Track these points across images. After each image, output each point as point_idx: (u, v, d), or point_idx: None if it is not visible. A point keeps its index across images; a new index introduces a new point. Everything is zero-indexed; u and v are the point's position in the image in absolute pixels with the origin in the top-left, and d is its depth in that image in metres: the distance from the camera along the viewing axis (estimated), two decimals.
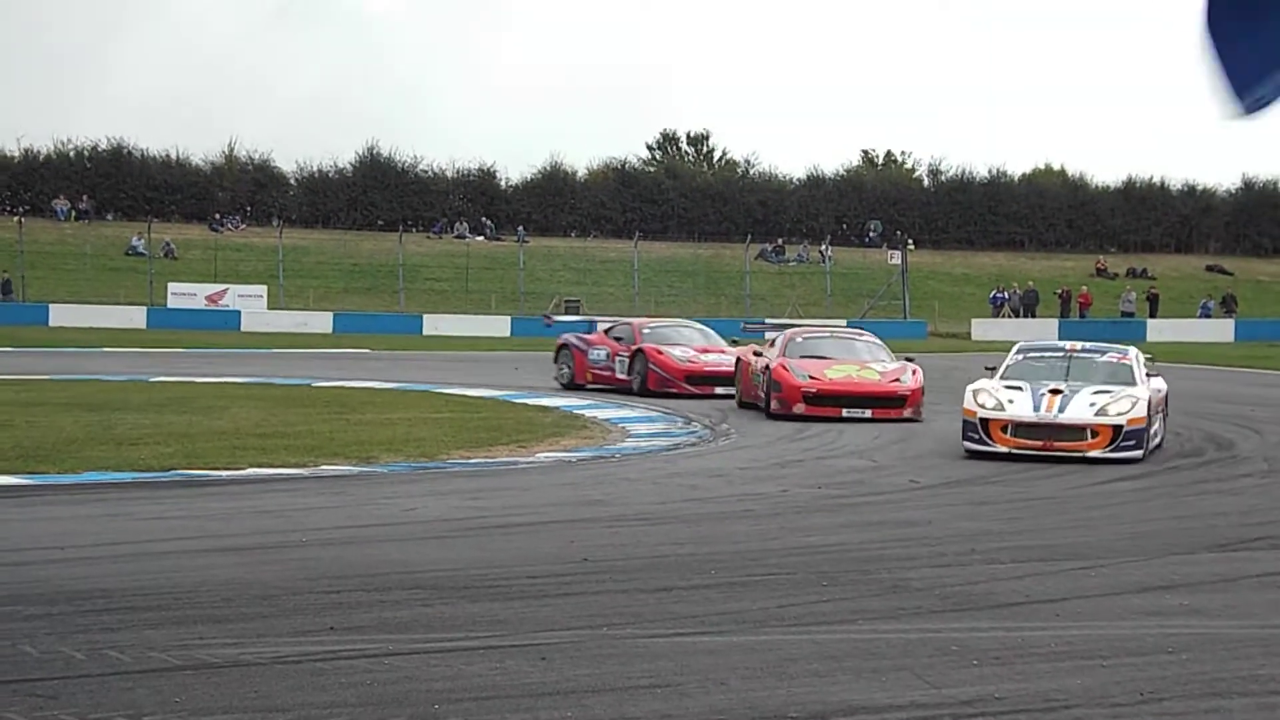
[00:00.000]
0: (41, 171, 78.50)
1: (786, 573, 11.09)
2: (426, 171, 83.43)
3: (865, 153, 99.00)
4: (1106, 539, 13.09)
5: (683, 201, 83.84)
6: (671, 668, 8.19)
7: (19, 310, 60.08)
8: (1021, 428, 19.27)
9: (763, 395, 25.26)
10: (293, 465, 17.56)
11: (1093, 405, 19.35)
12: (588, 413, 25.42)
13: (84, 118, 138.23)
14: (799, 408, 24.43)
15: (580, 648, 8.62)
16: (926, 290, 75.17)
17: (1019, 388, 19.97)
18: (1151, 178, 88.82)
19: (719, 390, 28.46)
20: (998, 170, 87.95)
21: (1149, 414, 19.46)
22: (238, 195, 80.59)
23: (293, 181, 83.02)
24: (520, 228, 79.79)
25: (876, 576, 11.00)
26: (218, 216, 78.62)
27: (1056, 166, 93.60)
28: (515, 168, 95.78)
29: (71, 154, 79.88)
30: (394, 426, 21.97)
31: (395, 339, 55.80)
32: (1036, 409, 19.36)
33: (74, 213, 76.32)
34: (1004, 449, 19.17)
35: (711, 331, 32.19)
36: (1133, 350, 21.69)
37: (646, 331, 31.13)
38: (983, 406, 19.54)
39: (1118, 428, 19.04)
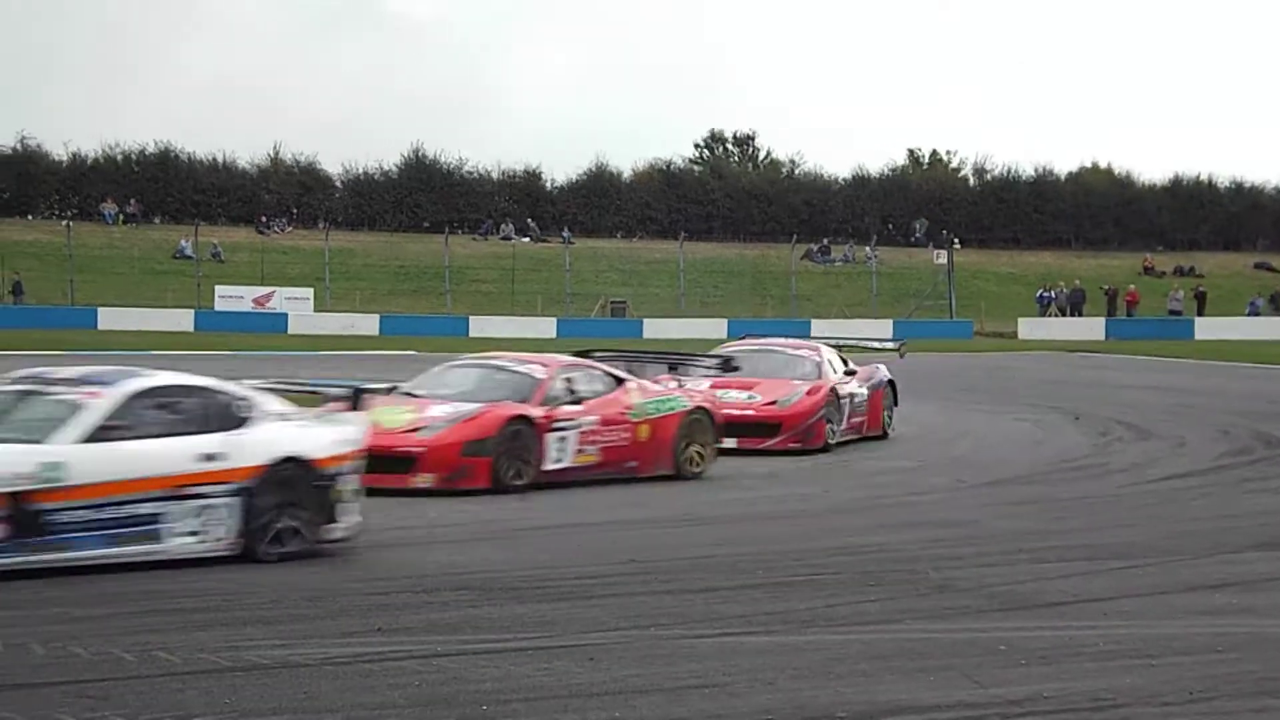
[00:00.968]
0: (90, 176, 78.84)
1: (832, 573, 11.09)
2: (472, 173, 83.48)
3: (911, 152, 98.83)
4: (1153, 538, 13.05)
5: (728, 202, 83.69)
6: (718, 668, 8.20)
7: (68, 314, 60.33)
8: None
9: None
10: None
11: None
12: None
13: (131, 122, 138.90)
14: None
15: (627, 648, 8.64)
16: (972, 290, 74.90)
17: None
18: (1199, 175, 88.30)
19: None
20: (1044, 169, 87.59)
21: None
22: (284, 198, 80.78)
23: (338, 184, 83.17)
24: (566, 229, 79.82)
25: (922, 576, 10.99)
26: (264, 219, 78.86)
27: (1103, 165, 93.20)
28: (560, 169, 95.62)
29: (119, 158, 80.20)
30: None
31: (442, 340, 55.80)
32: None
33: (122, 216, 76.66)
34: None
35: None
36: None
37: None
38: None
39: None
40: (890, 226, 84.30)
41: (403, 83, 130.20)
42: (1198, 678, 8.12)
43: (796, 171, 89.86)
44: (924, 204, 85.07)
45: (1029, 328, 65.34)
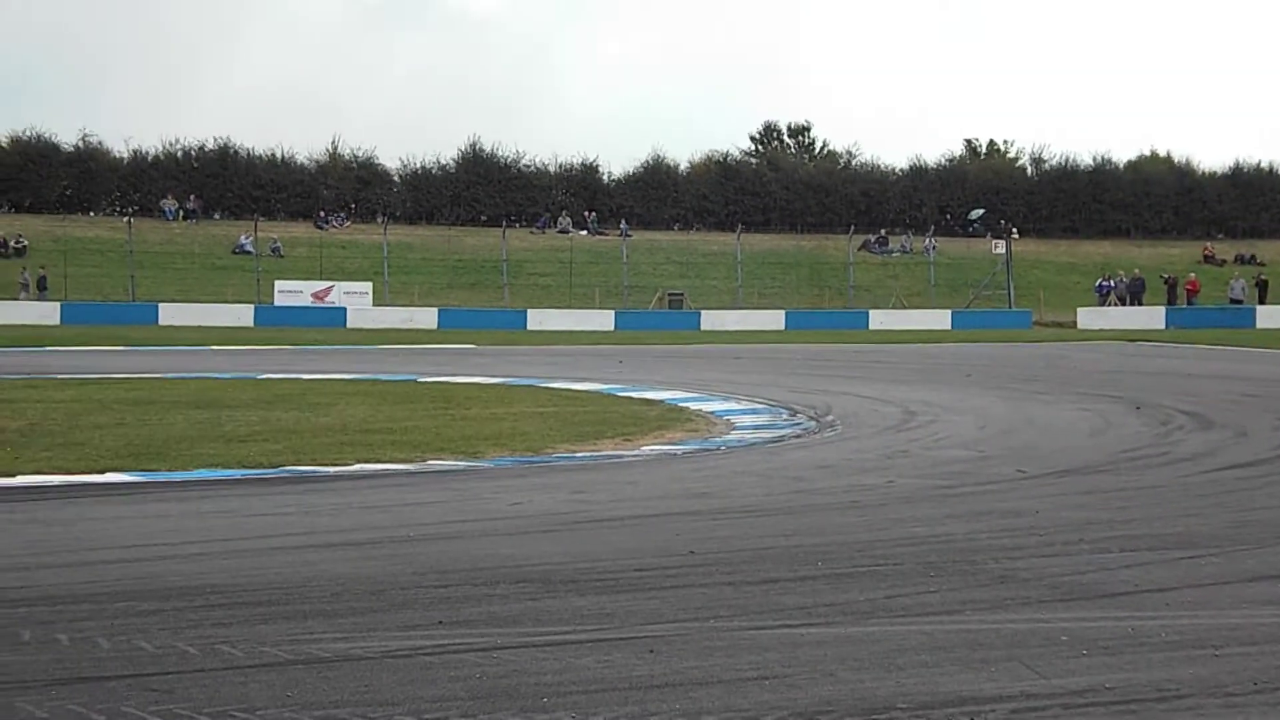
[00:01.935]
0: (150, 173, 79.44)
1: (893, 563, 11.05)
2: (529, 166, 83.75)
3: (968, 142, 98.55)
4: (1217, 527, 12.94)
5: (784, 194, 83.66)
6: (779, 659, 8.18)
7: (129, 310, 60.79)
8: None
9: None
10: (400, 461, 17.66)
11: None
12: (692, 405, 25.41)
13: (191, 119, 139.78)
14: None
15: (687, 640, 8.63)
16: (1031, 279, 74.65)
17: None
18: (1260, 162, 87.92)
19: None
20: (1102, 157, 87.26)
21: None
22: (342, 193, 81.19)
23: (396, 178, 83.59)
24: (623, 222, 79.92)
25: (984, 567, 10.93)
26: (323, 214, 79.27)
27: (1162, 153, 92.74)
28: (617, 162, 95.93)
29: (179, 155, 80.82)
30: (500, 421, 22.05)
31: (500, 334, 56.09)
32: None
33: (182, 213, 77.19)
34: None
35: None
36: None
37: None
38: None
39: None
40: (948, 217, 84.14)
41: (460, 77, 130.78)
42: (1262, 668, 8.06)
43: (853, 162, 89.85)
44: (982, 194, 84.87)
45: (1088, 317, 65.08)
